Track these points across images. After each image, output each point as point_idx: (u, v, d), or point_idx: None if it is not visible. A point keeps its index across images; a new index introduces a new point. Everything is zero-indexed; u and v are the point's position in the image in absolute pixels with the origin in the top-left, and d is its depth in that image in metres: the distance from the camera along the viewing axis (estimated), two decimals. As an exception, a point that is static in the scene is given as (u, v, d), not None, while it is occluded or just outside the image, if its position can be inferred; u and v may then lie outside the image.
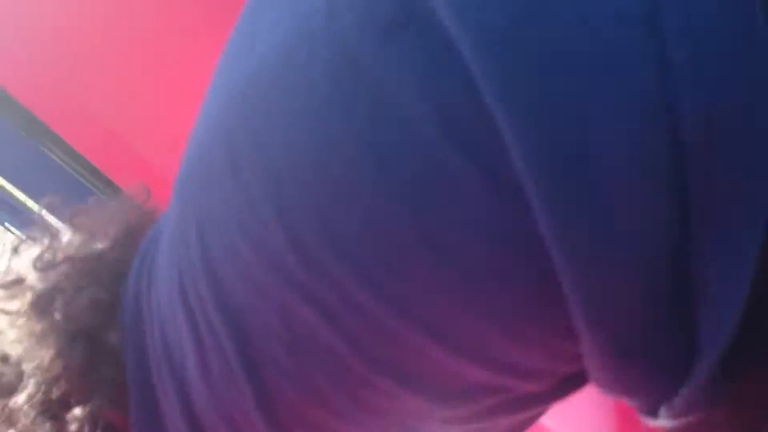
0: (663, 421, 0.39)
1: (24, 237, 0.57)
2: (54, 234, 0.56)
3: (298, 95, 0.39)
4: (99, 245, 0.55)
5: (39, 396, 0.48)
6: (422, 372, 0.41)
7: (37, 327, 0.50)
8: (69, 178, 1.14)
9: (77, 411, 0.48)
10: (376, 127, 0.36)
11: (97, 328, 0.50)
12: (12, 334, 0.51)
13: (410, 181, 0.36)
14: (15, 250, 0.56)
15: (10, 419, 0.49)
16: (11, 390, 0.49)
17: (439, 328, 0.38)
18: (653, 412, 0.39)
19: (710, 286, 0.34)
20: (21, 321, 0.51)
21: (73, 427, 0.47)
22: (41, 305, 0.51)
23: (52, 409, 0.48)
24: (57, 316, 0.50)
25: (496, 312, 0.37)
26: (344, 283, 0.39)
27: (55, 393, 0.48)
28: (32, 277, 0.53)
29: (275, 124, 0.40)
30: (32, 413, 0.48)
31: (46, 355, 0.49)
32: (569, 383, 0.43)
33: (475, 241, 0.36)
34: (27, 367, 0.49)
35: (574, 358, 0.39)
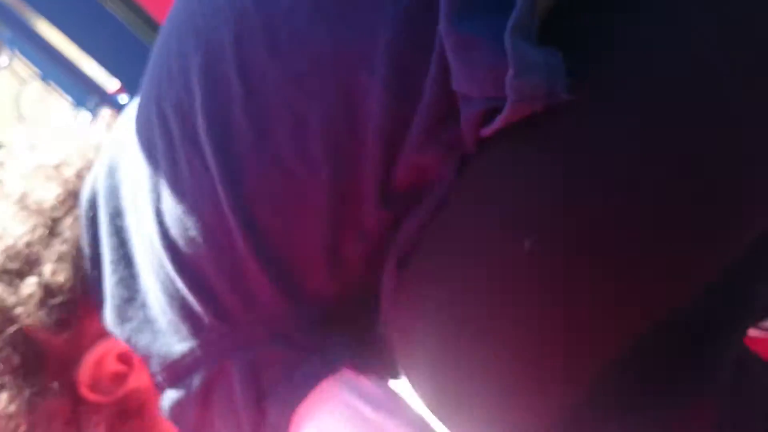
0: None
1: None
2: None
3: None
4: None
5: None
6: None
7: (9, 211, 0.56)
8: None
9: (31, 279, 0.53)
10: None
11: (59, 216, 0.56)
12: None
13: None
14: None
15: None
16: None
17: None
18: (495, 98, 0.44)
19: None
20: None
21: (26, 291, 0.53)
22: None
23: (5, 279, 0.53)
24: (29, 201, 0.56)
25: None
26: None
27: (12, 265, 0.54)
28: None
29: None
30: None
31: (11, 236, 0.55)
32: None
33: None
34: None
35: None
